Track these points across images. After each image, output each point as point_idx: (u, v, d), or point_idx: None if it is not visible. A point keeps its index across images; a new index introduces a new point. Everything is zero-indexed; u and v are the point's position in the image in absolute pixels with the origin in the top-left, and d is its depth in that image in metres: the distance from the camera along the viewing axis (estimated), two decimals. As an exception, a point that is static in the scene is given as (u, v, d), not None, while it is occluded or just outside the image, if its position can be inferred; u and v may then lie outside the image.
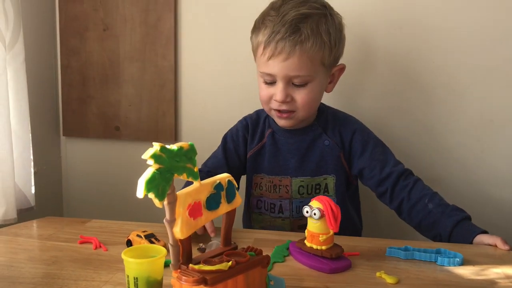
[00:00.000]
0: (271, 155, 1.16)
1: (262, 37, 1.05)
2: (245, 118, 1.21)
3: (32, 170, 1.23)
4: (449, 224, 1.00)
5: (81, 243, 0.92)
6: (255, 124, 1.20)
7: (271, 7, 1.08)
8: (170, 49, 1.40)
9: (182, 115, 1.44)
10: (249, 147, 1.19)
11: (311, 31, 1.02)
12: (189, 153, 0.61)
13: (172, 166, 0.58)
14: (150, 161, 0.56)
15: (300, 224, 1.14)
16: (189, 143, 0.62)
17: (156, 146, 0.56)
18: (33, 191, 1.23)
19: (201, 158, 0.70)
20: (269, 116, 1.18)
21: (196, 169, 0.62)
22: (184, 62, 1.42)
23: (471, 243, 0.96)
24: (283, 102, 1.06)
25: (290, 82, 1.06)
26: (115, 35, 1.43)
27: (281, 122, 1.12)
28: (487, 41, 1.28)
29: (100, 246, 0.89)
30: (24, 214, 1.19)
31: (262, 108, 1.16)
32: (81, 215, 1.50)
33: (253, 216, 1.21)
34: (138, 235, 0.86)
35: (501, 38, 1.27)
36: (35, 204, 1.24)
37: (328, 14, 1.06)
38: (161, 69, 1.42)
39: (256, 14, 1.11)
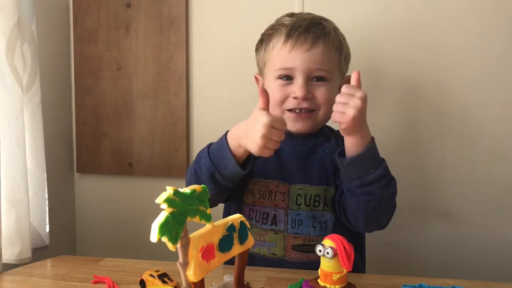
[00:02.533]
0: (269, 158, 0.99)
1: (279, 35, 1.02)
2: None
3: (47, 209, 1.24)
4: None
5: (95, 283, 0.92)
6: None
7: (281, 16, 1.08)
8: (182, 87, 1.43)
9: (194, 151, 1.46)
10: None
11: (332, 29, 1.03)
12: (202, 195, 0.62)
13: (185, 209, 0.59)
14: (164, 205, 0.57)
15: (294, 244, 1.03)
16: (202, 185, 0.63)
17: (169, 190, 0.57)
18: (47, 229, 1.24)
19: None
20: None
21: (209, 211, 0.63)
22: (196, 99, 1.44)
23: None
24: (304, 98, 1.00)
25: (309, 78, 1.01)
26: (128, 74, 1.46)
27: (297, 126, 1.03)
28: (501, 73, 1.28)
29: (114, 286, 0.89)
30: (39, 252, 1.20)
31: None
32: (95, 252, 1.51)
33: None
34: (151, 275, 0.86)
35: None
36: (49, 242, 1.25)
37: (337, 27, 1.07)
38: (173, 106, 1.44)
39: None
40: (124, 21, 1.45)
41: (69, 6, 1.49)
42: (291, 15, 1.07)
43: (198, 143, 1.45)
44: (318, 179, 1.05)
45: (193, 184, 0.81)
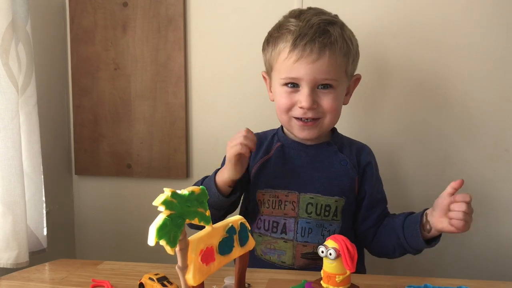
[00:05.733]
0: (278, 167, 1.08)
1: (285, 42, 1.00)
2: None
3: (44, 212, 1.22)
4: (399, 222, 1.02)
5: (93, 286, 0.90)
6: (261, 139, 1.12)
7: (289, 16, 1.05)
8: (180, 87, 1.41)
9: (193, 151, 1.44)
10: (253, 162, 1.09)
11: (339, 35, 1.00)
12: (201, 197, 0.60)
13: (184, 211, 0.57)
14: (161, 208, 0.55)
15: (304, 252, 1.03)
16: (200, 187, 0.61)
17: (167, 192, 0.56)
18: (45, 232, 1.22)
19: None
20: (278, 132, 1.13)
21: (208, 213, 0.61)
22: (195, 99, 1.43)
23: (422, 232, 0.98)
24: (310, 108, 1.00)
25: (315, 87, 1.01)
26: (126, 74, 1.45)
27: (304, 133, 1.04)
28: (505, 70, 1.27)
29: (112, 290, 0.88)
30: (36, 256, 1.18)
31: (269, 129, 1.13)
32: (93, 255, 1.49)
33: (253, 236, 1.09)
34: (150, 278, 0.85)
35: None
36: (47, 245, 1.23)
37: (344, 24, 1.05)
38: (172, 106, 1.42)
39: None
40: (121, 20, 1.43)
41: (65, 6, 1.47)
42: (298, 15, 1.03)
43: (198, 143, 1.44)
44: (331, 189, 1.05)
45: None
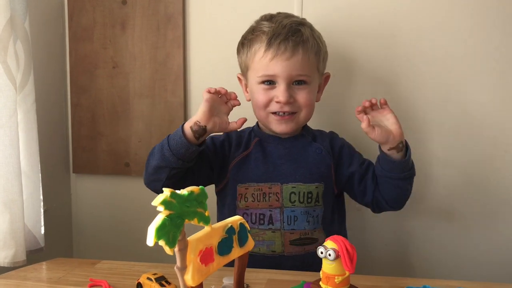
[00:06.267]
0: (259, 162, 1.12)
1: (260, 42, 1.07)
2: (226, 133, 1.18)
3: (42, 210, 1.22)
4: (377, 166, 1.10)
5: (91, 286, 0.90)
6: (238, 135, 1.17)
7: (261, 20, 1.12)
8: (179, 85, 1.41)
9: (192, 150, 1.43)
10: (232, 156, 1.14)
11: (309, 34, 1.08)
12: (200, 197, 0.60)
13: (183, 211, 0.57)
14: (160, 208, 0.55)
15: (292, 239, 1.08)
16: (199, 187, 0.61)
17: (166, 192, 0.55)
18: (42, 231, 1.22)
19: (211, 196, 0.69)
20: (254, 128, 1.18)
21: (207, 213, 0.61)
22: (193, 97, 1.42)
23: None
24: (286, 102, 1.06)
25: (290, 83, 1.07)
26: (124, 72, 1.44)
27: (281, 127, 1.10)
28: (504, 70, 1.26)
29: (110, 290, 0.88)
30: (34, 255, 1.18)
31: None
32: (91, 254, 1.49)
33: None
34: (148, 278, 0.85)
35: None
36: (44, 244, 1.23)
37: (312, 26, 1.13)
38: (170, 105, 1.42)
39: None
40: (120, 18, 1.42)
41: (63, 3, 1.47)
42: (270, 18, 1.11)
43: (196, 142, 1.43)
44: (310, 177, 1.12)
45: (143, 174, 1.11)
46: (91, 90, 1.47)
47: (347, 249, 0.76)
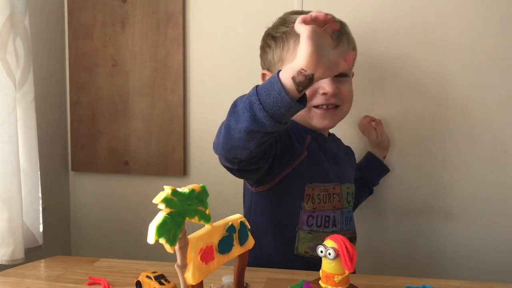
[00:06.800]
0: (319, 161, 1.04)
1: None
2: None
3: (41, 208, 1.22)
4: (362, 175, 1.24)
5: (90, 284, 0.89)
6: (296, 128, 1.05)
7: (290, 14, 1.04)
8: (179, 84, 1.40)
9: (191, 149, 1.43)
10: (297, 151, 1.01)
11: (347, 28, 1.05)
12: (201, 195, 0.60)
13: (184, 209, 0.57)
14: (161, 206, 0.54)
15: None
16: (201, 185, 0.60)
17: (167, 190, 0.55)
18: (41, 229, 1.22)
19: (211, 194, 0.68)
20: (297, 126, 1.05)
21: (208, 212, 0.61)
22: (193, 96, 1.42)
23: None
24: (333, 94, 1.00)
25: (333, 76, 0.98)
26: (124, 70, 1.44)
27: (325, 122, 1.03)
28: (504, 71, 1.27)
29: (109, 288, 0.87)
30: (32, 252, 1.18)
31: None
32: (90, 252, 1.48)
33: (301, 234, 1.02)
34: (147, 276, 0.84)
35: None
36: (43, 242, 1.22)
37: None
38: (170, 103, 1.42)
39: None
40: (120, 16, 1.42)
41: (64, 1, 1.46)
42: (301, 12, 1.04)
43: (196, 141, 1.43)
44: (351, 177, 1.12)
45: (220, 138, 0.86)
46: (90, 88, 1.46)
47: (347, 248, 0.76)
